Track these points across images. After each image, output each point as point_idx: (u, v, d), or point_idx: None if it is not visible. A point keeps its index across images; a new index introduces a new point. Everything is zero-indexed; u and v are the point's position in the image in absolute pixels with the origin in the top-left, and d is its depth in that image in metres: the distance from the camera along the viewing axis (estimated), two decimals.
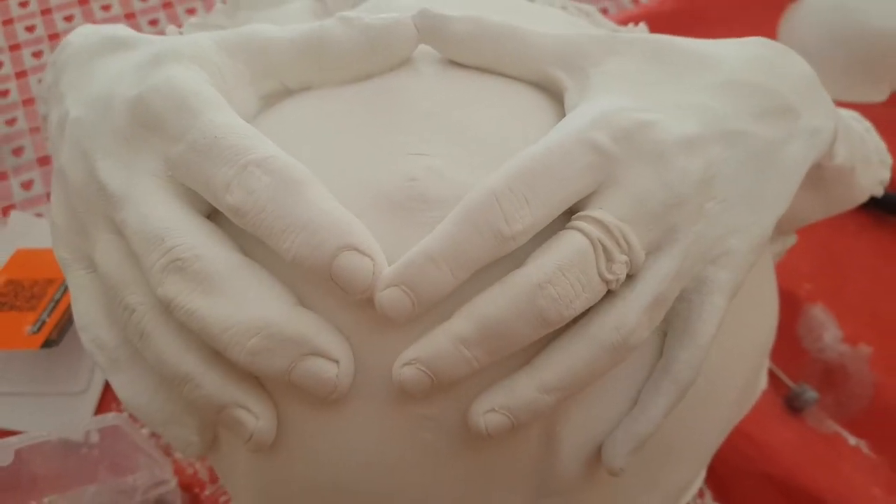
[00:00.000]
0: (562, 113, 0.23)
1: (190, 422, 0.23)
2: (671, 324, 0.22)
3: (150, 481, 0.41)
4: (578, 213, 0.20)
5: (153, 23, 0.62)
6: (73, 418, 0.45)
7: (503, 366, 0.20)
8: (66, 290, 0.46)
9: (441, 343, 0.19)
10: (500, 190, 0.19)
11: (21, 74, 0.59)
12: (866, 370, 0.47)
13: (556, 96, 0.24)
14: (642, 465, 0.24)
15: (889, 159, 0.35)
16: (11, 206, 0.53)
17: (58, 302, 0.45)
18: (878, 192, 0.34)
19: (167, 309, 0.20)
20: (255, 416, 0.21)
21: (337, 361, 0.20)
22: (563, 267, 0.19)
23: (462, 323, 0.19)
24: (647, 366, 0.22)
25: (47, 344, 0.43)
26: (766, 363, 0.35)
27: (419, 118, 0.22)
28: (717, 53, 0.23)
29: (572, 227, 0.20)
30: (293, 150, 0.21)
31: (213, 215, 0.22)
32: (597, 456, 0.22)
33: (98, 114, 0.22)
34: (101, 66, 0.24)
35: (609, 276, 0.19)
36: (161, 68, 0.22)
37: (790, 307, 0.49)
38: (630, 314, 0.20)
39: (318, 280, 0.19)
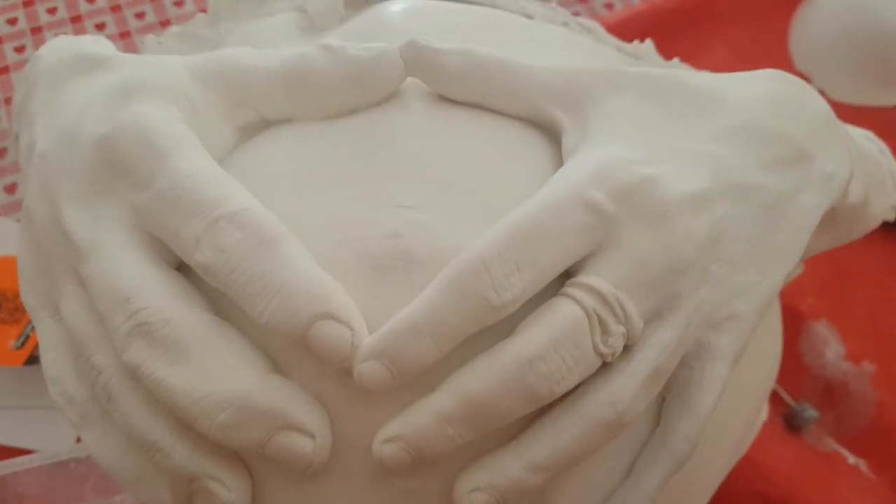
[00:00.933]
0: (559, 155, 0.22)
1: (161, 482, 0.22)
2: (670, 390, 0.21)
3: (136, 502, 0.40)
4: (572, 280, 0.19)
5: (140, 16, 0.60)
6: (59, 432, 0.44)
7: (490, 436, 0.19)
8: None
9: (423, 420, 0.18)
10: (489, 255, 0.18)
11: (2, 70, 0.57)
12: (868, 388, 0.46)
13: (552, 134, 0.23)
14: None
15: None
16: None
17: None
18: (891, 216, 0.33)
19: (133, 375, 0.19)
20: (228, 488, 0.20)
21: (313, 436, 0.19)
22: (556, 341, 0.18)
23: (446, 399, 0.18)
24: (642, 432, 0.21)
25: (31, 361, 0.42)
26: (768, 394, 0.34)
27: (406, 163, 0.21)
28: (727, 92, 0.22)
29: (566, 295, 0.19)
30: (269, 196, 0.20)
31: (183, 265, 0.20)
32: None
33: (64, 150, 0.21)
34: (73, 88, 0.23)
35: (604, 350, 0.18)
36: (129, 104, 0.21)
37: (792, 323, 0.48)
38: (626, 389, 0.19)
39: (294, 345, 0.18)
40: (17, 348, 0.42)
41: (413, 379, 0.18)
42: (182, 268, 0.20)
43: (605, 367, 0.19)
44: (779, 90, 0.23)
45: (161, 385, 0.18)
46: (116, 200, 0.20)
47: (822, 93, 0.59)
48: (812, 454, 0.44)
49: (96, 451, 0.21)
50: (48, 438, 0.44)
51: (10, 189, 0.53)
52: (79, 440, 0.45)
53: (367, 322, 0.18)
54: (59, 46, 0.25)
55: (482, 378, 0.18)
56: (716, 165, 0.20)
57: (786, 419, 0.45)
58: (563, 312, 0.18)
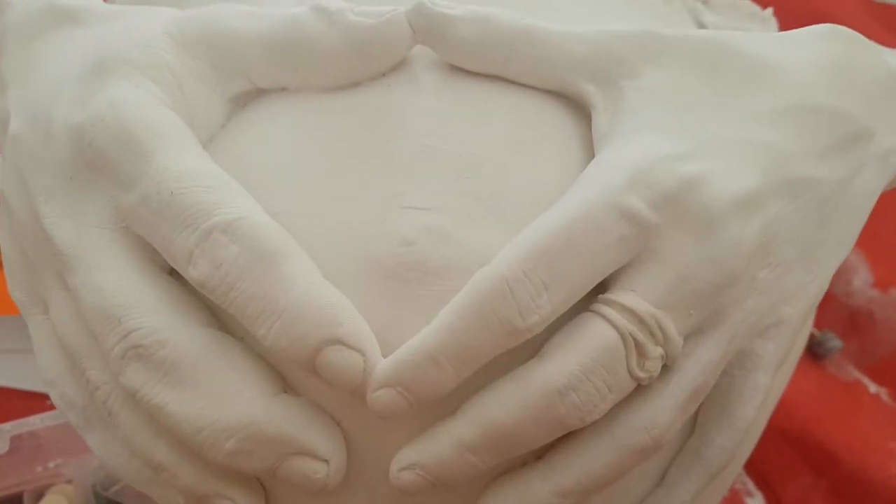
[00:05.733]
0: (589, 136, 0.19)
1: (171, 488, 0.21)
2: (708, 396, 0.19)
3: None
4: (606, 296, 0.17)
5: None
6: None
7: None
8: None
9: (443, 449, 0.17)
10: (514, 275, 0.16)
11: None
12: (895, 316, 0.44)
13: (581, 109, 0.20)
14: None
15: None
16: None
17: None
18: None
19: (132, 398, 0.18)
20: None
21: (326, 460, 0.17)
22: (588, 368, 0.16)
23: (467, 427, 0.17)
24: (675, 440, 0.20)
25: None
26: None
27: (416, 153, 0.19)
28: (781, 62, 0.19)
29: (598, 315, 0.17)
30: (266, 189, 0.18)
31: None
32: None
33: (37, 138, 0.19)
34: (46, 49, 0.21)
35: (641, 374, 0.17)
36: (105, 86, 0.18)
37: None
38: (664, 413, 0.17)
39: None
40: None
41: (430, 405, 0.17)
42: (176, 272, 0.19)
43: (641, 387, 0.17)
44: (832, 55, 0.20)
45: (162, 412, 0.17)
46: (98, 199, 0.18)
47: None
48: (833, 383, 0.44)
49: (102, 455, 0.21)
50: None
51: None
52: None
53: (380, 339, 0.17)
54: None
55: (507, 407, 0.17)
56: (769, 158, 0.18)
57: (808, 348, 0.44)
58: (596, 335, 0.16)
